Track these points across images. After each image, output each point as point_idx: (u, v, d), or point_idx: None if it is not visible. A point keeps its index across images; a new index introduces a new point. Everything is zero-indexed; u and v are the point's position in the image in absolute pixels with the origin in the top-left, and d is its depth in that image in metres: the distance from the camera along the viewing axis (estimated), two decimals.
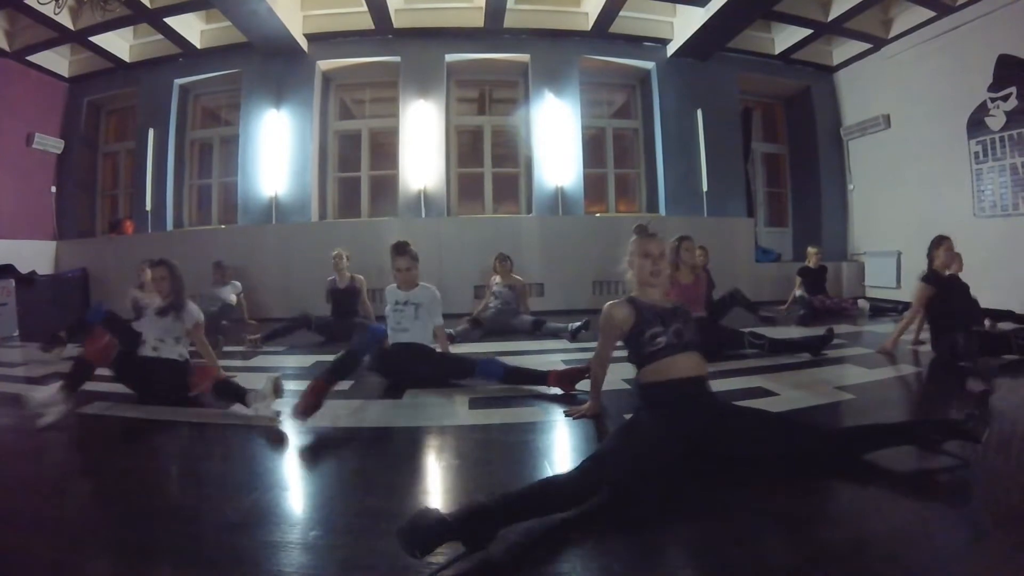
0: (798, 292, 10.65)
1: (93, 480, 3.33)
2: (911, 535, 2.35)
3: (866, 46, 12.47)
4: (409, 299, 5.39)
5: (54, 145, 12.98)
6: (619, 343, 3.55)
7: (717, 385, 4.73)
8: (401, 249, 5.42)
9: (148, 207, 12.77)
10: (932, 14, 10.78)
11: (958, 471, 3.02)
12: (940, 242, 6.31)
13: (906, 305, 8.72)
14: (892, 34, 11.84)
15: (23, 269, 10.88)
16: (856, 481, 2.92)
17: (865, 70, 12.90)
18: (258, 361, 6.62)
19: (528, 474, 3.10)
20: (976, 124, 10.24)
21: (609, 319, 3.48)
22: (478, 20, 12.01)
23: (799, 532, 2.41)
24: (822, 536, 2.38)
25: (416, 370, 5.32)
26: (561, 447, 3.61)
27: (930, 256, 6.35)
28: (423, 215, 12.03)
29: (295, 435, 3.97)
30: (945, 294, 6.13)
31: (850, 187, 13.65)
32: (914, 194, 11.49)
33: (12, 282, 10.06)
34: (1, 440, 4.11)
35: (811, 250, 10.89)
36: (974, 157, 10.31)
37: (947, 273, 6.33)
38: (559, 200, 12.28)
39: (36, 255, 11.96)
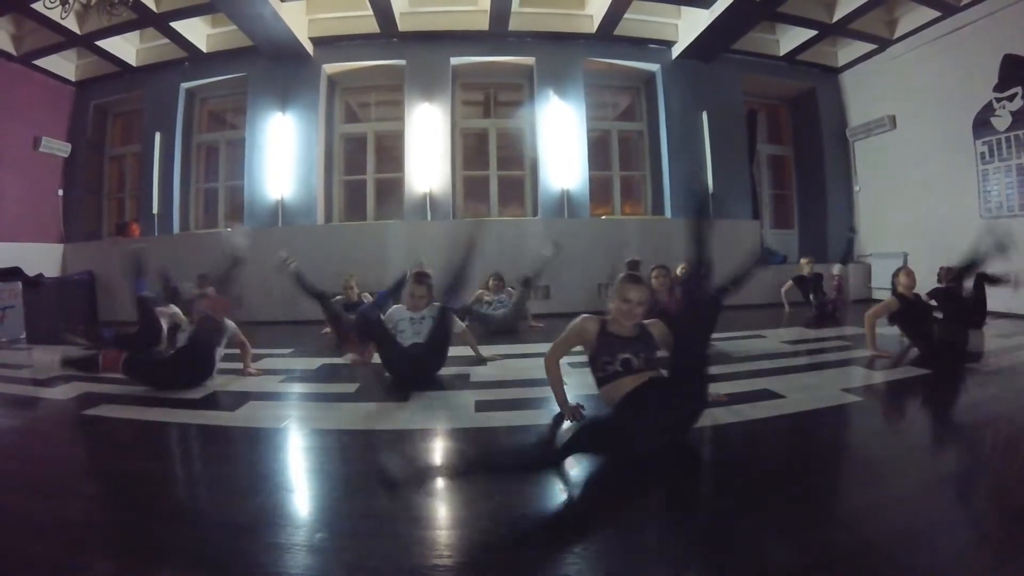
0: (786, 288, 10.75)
1: (98, 482, 3.35)
2: (914, 537, 2.35)
3: (871, 47, 12.47)
4: (424, 316, 5.81)
5: (61, 148, 13.03)
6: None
7: (722, 388, 4.75)
8: (421, 279, 5.95)
9: (155, 210, 12.82)
10: (937, 14, 10.78)
11: (962, 473, 3.03)
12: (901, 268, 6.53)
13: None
14: (897, 34, 11.83)
15: (30, 272, 10.92)
16: (859, 483, 2.93)
17: (870, 71, 12.89)
18: (264, 363, 6.63)
19: (534, 477, 3.10)
20: (982, 124, 10.23)
21: (579, 331, 3.85)
22: (483, 23, 12.03)
23: (801, 534, 2.41)
24: (824, 539, 2.38)
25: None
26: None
27: (893, 280, 6.50)
28: (429, 218, 12.05)
29: (300, 437, 3.99)
30: (909, 313, 6.30)
31: (856, 188, 13.64)
32: (920, 195, 11.48)
33: (19, 284, 10.10)
34: (8, 441, 4.13)
35: (804, 261, 10.96)
36: (980, 157, 10.30)
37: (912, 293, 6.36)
38: (564, 202, 12.30)
39: (43, 258, 12.01)
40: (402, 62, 12.61)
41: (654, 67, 13.08)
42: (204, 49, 12.59)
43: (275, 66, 12.39)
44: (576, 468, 3.19)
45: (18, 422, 4.63)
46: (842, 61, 13.50)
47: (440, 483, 3.09)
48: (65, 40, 11.66)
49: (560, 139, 12.47)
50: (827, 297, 10.27)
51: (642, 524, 2.51)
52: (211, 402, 4.86)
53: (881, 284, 12.16)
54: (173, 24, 11.43)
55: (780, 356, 6.15)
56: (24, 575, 2.20)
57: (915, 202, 11.58)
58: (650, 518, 2.57)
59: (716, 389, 3.96)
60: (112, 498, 3.06)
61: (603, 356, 3.65)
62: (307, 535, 2.49)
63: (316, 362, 6.61)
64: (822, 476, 3.11)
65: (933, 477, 3.05)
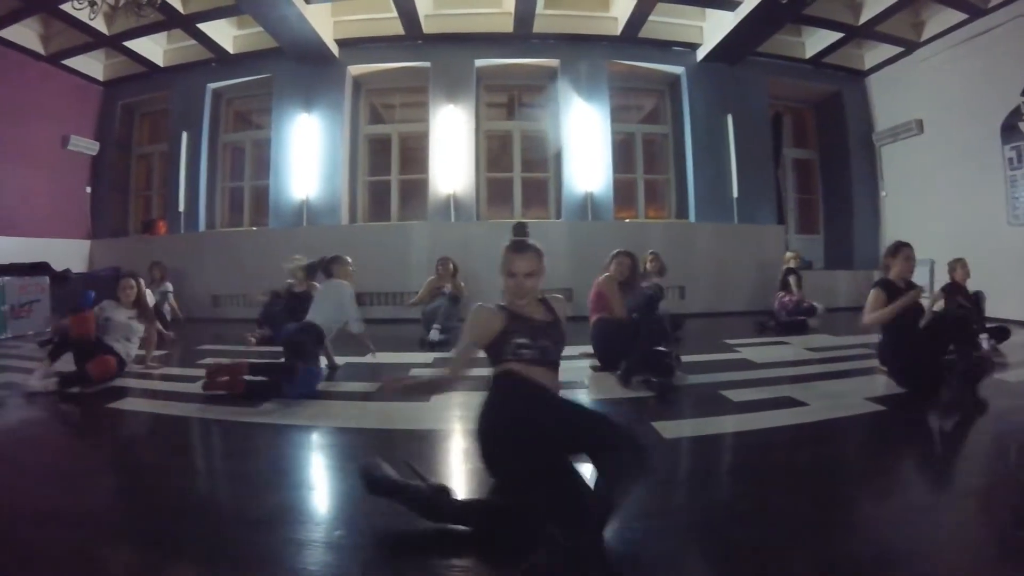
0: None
1: (122, 475, 3.39)
2: (936, 549, 2.33)
3: (898, 49, 12.34)
4: None
5: (89, 147, 13.24)
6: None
7: (745, 395, 4.73)
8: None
9: (181, 208, 12.96)
10: (964, 16, 10.66)
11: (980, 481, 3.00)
12: (898, 249, 5.43)
13: None
14: (924, 37, 11.70)
15: (57, 267, 11.04)
16: (876, 491, 2.90)
17: (897, 74, 12.76)
18: None
19: None
20: (1010, 129, 10.09)
21: (476, 322, 3.02)
22: (507, 25, 12.04)
23: (817, 541, 2.39)
24: (840, 546, 2.35)
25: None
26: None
27: (886, 264, 5.52)
28: (452, 219, 12.07)
29: (321, 436, 4.01)
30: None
31: (882, 193, 13.50)
32: (947, 201, 11.31)
33: (47, 279, 10.26)
34: (34, 433, 4.20)
35: (789, 255, 10.75)
36: (1008, 163, 10.15)
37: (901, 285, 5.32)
38: (588, 205, 12.27)
39: (70, 253, 12.18)
40: (426, 64, 12.66)
41: (679, 69, 13.03)
42: (230, 50, 12.72)
43: (300, 67, 12.47)
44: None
45: (44, 414, 4.70)
46: (869, 64, 13.37)
47: (460, 484, 3.09)
48: (93, 40, 11.85)
49: (584, 141, 12.45)
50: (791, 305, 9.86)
51: (660, 530, 2.49)
52: (233, 398, 4.89)
53: None
54: (200, 25, 11.59)
55: (804, 363, 6.07)
56: (50, 565, 2.23)
57: (942, 208, 11.40)
58: (666, 524, 2.56)
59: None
60: (134, 490, 3.10)
61: (518, 339, 2.94)
62: (326, 532, 2.51)
63: (339, 360, 6.62)
64: (843, 485, 3.07)
65: (959, 489, 3.02)
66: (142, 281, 6.45)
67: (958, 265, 7.97)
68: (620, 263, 6.57)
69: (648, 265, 8.77)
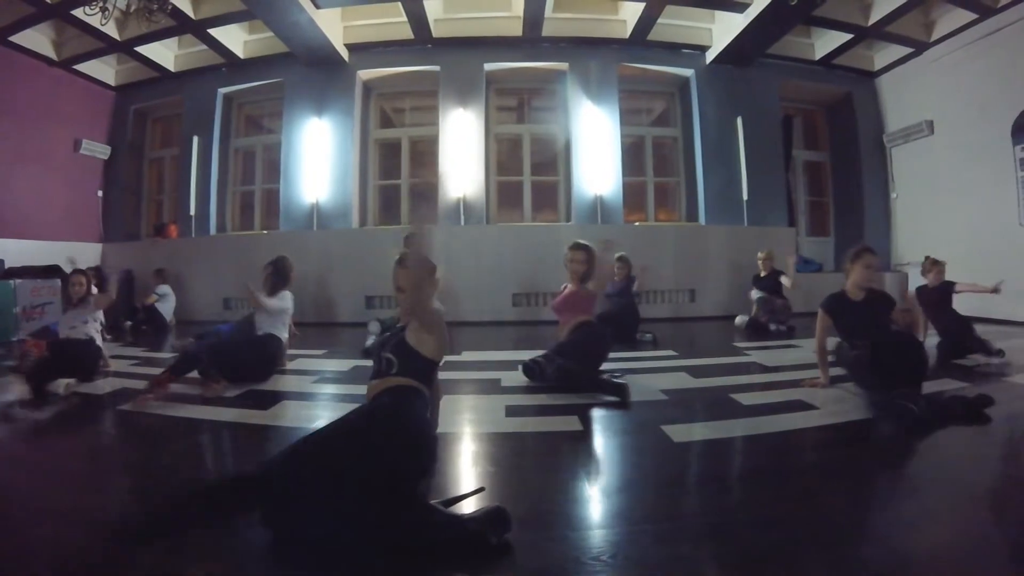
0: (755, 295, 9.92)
1: (130, 475, 3.41)
2: (942, 551, 2.32)
3: (908, 50, 12.29)
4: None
5: (101, 151, 13.37)
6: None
7: (754, 398, 4.71)
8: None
9: (192, 212, 13.04)
10: (974, 16, 10.61)
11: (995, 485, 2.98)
12: (859, 255, 5.04)
13: None
14: (934, 37, 11.65)
15: (69, 270, 11.10)
16: (887, 495, 2.89)
17: (908, 75, 12.70)
18: (298, 364, 6.68)
19: (562, 485, 3.08)
20: (1021, 129, 10.02)
21: None
22: (516, 29, 12.08)
23: (828, 546, 2.38)
24: (851, 551, 2.34)
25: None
26: (597, 458, 3.58)
27: (845, 271, 5.15)
28: (462, 222, 12.09)
29: None
30: (841, 318, 5.10)
31: (893, 195, 13.42)
32: (959, 202, 11.24)
33: (58, 282, 10.33)
34: (45, 435, 4.26)
35: (760, 255, 10.17)
36: (1020, 164, 10.09)
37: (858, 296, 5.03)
38: (598, 208, 12.27)
39: (82, 256, 12.18)
40: (436, 68, 12.70)
41: (688, 72, 13.04)
42: (241, 55, 12.82)
43: (311, 72, 12.56)
44: (604, 472, 3.18)
45: (55, 417, 4.74)
46: (879, 65, 13.32)
47: (469, 488, 3.10)
48: (105, 46, 11.95)
49: (594, 144, 12.47)
50: (771, 308, 9.54)
51: (669, 534, 2.48)
52: (244, 400, 4.95)
53: None
54: (211, 31, 11.67)
55: (813, 366, 5.99)
56: (58, 565, 2.24)
57: (954, 210, 11.35)
58: (676, 528, 2.55)
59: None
60: (143, 491, 3.11)
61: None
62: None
63: (349, 363, 6.65)
64: (854, 489, 3.05)
65: (973, 493, 2.99)
66: (90, 275, 7.04)
67: (934, 267, 6.94)
68: (571, 259, 5.68)
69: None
